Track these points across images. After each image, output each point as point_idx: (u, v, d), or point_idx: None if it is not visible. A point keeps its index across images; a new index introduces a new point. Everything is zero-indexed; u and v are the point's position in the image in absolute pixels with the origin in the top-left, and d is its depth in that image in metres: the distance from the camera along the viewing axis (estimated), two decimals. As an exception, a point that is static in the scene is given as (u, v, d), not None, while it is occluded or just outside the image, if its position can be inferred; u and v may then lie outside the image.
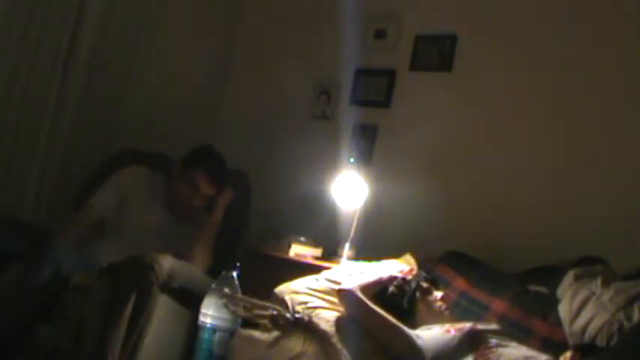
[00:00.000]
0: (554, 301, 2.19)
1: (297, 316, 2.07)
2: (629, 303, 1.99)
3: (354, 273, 2.36)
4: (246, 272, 2.06)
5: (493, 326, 2.05)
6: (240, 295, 1.99)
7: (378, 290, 2.21)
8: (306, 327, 2.04)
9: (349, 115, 3.31)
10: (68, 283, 2.15)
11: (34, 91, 2.90)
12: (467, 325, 1.99)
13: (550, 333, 2.12)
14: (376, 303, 2.10)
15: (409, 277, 2.28)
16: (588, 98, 2.69)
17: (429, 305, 2.18)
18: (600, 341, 1.96)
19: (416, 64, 3.16)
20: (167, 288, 2.14)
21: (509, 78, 2.89)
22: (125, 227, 2.62)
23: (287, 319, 2.04)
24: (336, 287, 2.23)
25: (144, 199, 2.68)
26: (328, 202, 3.00)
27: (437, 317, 2.14)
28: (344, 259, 2.79)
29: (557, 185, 2.70)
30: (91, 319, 2.06)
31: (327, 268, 2.57)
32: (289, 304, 2.16)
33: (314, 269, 2.54)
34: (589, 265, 2.23)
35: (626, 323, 1.94)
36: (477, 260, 2.54)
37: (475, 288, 2.37)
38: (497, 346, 1.89)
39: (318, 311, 2.13)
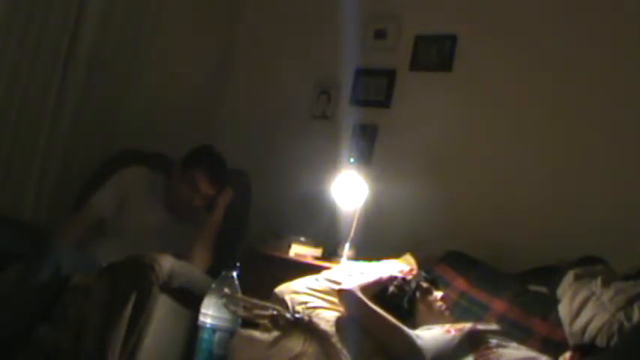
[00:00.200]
0: (554, 301, 2.19)
1: (297, 316, 2.07)
2: (629, 303, 2.00)
3: (354, 273, 2.36)
4: (246, 272, 2.06)
5: (493, 326, 2.05)
6: (240, 295, 1.99)
7: (378, 290, 2.21)
8: (306, 327, 2.03)
9: (349, 115, 3.31)
10: (68, 283, 2.15)
11: (34, 91, 2.90)
12: (467, 326, 1.99)
13: (550, 333, 2.12)
14: (376, 303, 2.10)
15: (409, 277, 2.28)
16: (588, 98, 2.69)
17: (429, 305, 2.18)
18: (600, 341, 1.96)
19: (416, 64, 3.16)
20: (167, 288, 2.14)
21: (509, 78, 2.89)
22: (125, 227, 2.62)
23: (287, 319, 2.04)
24: (336, 287, 2.23)
25: (144, 199, 2.68)
26: (328, 202, 3.00)
27: (437, 317, 2.14)
28: (344, 259, 2.79)
29: (557, 185, 2.70)
30: (91, 319, 2.06)
31: (327, 268, 2.57)
32: (289, 304, 2.17)
33: (314, 269, 2.54)
34: (589, 265, 2.23)
35: (626, 323, 1.94)
36: (477, 260, 2.54)
37: (475, 288, 2.37)
38: (498, 346, 1.89)
39: (318, 311, 2.14)
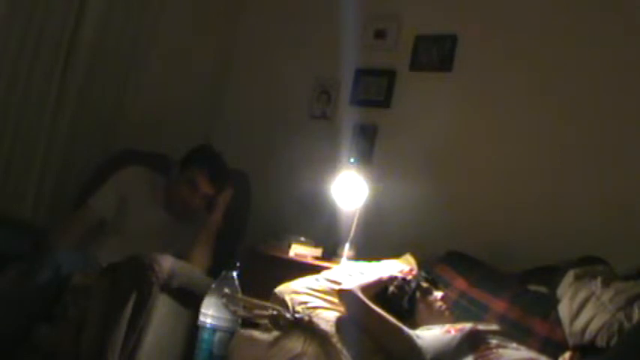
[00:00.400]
0: (554, 301, 2.19)
1: (297, 316, 2.07)
2: (629, 303, 2.00)
3: (354, 273, 2.36)
4: (246, 272, 2.06)
5: (493, 327, 2.04)
6: (240, 295, 1.99)
7: (378, 290, 2.21)
8: (306, 327, 2.04)
9: (349, 115, 3.31)
10: (68, 283, 2.15)
11: (34, 91, 2.90)
12: (467, 326, 1.99)
13: (550, 333, 2.13)
14: (376, 303, 2.10)
15: (409, 277, 2.27)
16: (588, 98, 2.69)
17: (429, 305, 2.18)
18: (600, 341, 1.96)
19: (416, 64, 3.16)
20: (167, 288, 2.14)
21: (509, 78, 2.89)
22: (125, 227, 2.62)
23: (287, 319, 2.04)
24: (337, 287, 2.23)
25: (144, 199, 2.68)
26: (328, 202, 3.00)
27: (437, 317, 2.14)
28: (344, 259, 2.79)
29: (557, 185, 2.70)
30: (91, 319, 2.06)
31: (327, 268, 2.57)
32: (289, 304, 2.16)
33: (314, 269, 2.54)
34: (589, 265, 2.23)
35: (626, 323, 1.94)
36: (477, 260, 2.54)
37: (475, 288, 2.37)
38: (498, 346, 1.89)
39: (318, 311, 2.13)
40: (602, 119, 2.64)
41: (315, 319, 2.06)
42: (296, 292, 2.24)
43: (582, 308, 2.06)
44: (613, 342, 1.93)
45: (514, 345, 1.93)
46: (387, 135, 3.19)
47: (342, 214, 2.99)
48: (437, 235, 2.81)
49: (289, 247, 2.89)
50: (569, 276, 2.20)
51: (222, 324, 1.95)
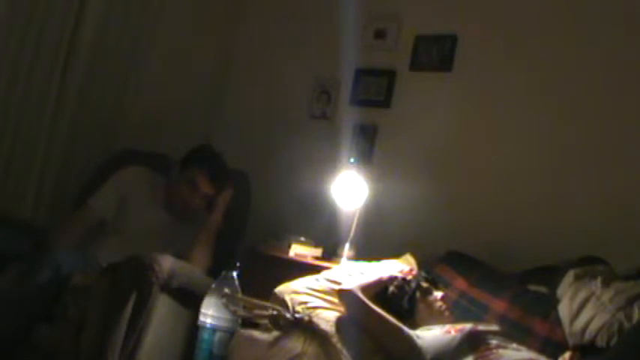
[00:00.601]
0: (554, 301, 2.19)
1: (297, 316, 2.07)
2: (629, 303, 2.00)
3: (354, 273, 2.36)
4: (246, 272, 2.06)
5: (493, 327, 2.04)
6: (240, 295, 1.99)
7: (378, 290, 2.21)
8: (306, 327, 2.04)
9: (349, 115, 3.31)
10: (68, 283, 2.15)
11: (34, 91, 2.90)
12: (467, 326, 1.99)
13: (550, 333, 2.13)
14: (376, 303, 2.10)
15: (409, 277, 2.27)
16: (588, 98, 2.69)
17: (429, 305, 2.18)
18: (600, 341, 1.96)
19: (416, 64, 3.16)
20: (167, 288, 2.14)
21: (509, 78, 2.89)
22: (125, 227, 2.62)
23: (287, 319, 2.04)
24: (337, 287, 2.23)
25: (144, 199, 2.68)
26: (328, 202, 3.00)
27: (437, 317, 2.14)
28: (344, 259, 2.78)
29: (558, 185, 2.70)
30: (91, 319, 2.06)
31: (327, 268, 2.57)
32: (289, 304, 2.16)
33: (314, 269, 2.54)
34: (589, 265, 2.23)
35: (626, 323, 1.94)
36: (477, 260, 2.54)
37: (475, 288, 2.37)
38: (498, 347, 1.89)
39: (318, 311, 2.13)
40: (602, 119, 2.64)
41: (315, 319, 2.06)
42: (296, 292, 2.24)
43: (582, 308, 2.06)
44: (613, 342, 1.93)
45: (514, 345, 1.93)
46: (387, 135, 3.19)
47: (342, 214, 2.99)
48: (437, 235, 2.81)
49: (289, 247, 2.89)
50: (569, 276, 2.20)
51: (222, 324, 1.95)
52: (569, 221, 2.62)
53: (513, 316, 2.21)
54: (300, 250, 2.89)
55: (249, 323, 2.03)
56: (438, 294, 2.23)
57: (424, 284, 2.23)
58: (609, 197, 2.56)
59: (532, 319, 2.18)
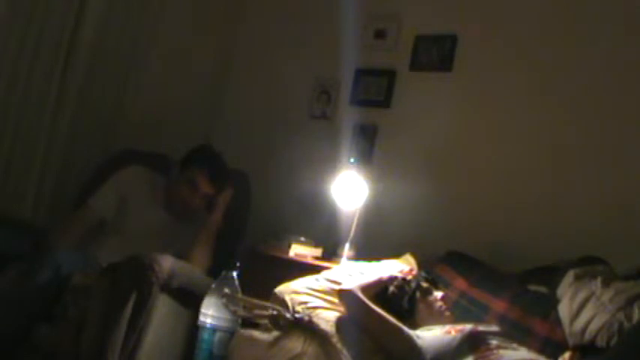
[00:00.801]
0: (554, 301, 2.19)
1: (297, 316, 2.07)
2: (629, 303, 2.00)
3: (354, 273, 2.36)
4: (246, 272, 2.06)
5: (494, 328, 2.04)
6: (240, 295, 1.99)
7: (378, 290, 2.21)
8: (306, 327, 2.04)
9: (349, 115, 3.31)
10: (68, 283, 2.15)
11: (34, 91, 2.90)
12: (467, 327, 1.99)
13: (550, 333, 2.12)
14: (376, 303, 2.10)
15: (409, 277, 2.28)
16: (588, 98, 2.69)
17: (429, 305, 2.18)
18: (600, 341, 1.96)
19: (416, 64, 3.16)
20: (167, 288, 2.14)
21: (509, 78, 2.89)
22: (125, 227, 2.62)
23: (287, 319, 2.04)
24: (337, 287, 2.23)
25: (144, 199, 2.68)
26: (328, 202, 3.00)
27: (437, 317, 2.14)
28: (344, 259, 2.78)
29: (558, 185, 2.70)
30: (91, 319, 2.06)
31: (327, 268, 2.57)
32: (289, 304, 2.16)
33: (314, 269, 2.53)
34: (589, 265, 2.23)
35: (626, 323, 1.94)
36: (477, 260, 2.54)
37: (475, 288, 2.37)
38: (498, 347, 1.89)
39: (318, 311, 2.13)
40: (602, 119, 2.64)
41: (315, 319, 2.06)
42: (296, 292, 2.24)
43: (582, 308, 2.06)
44: (613, 342, 1.93)
45: (514, 346, 1.93)
46: (387, 135, 3.19)
47: (342, 214, 2.99)
48: (437, 235, 2.81)
49: (289, 247, 2.89)
50: (569, 276, 2.20)
51: (222, 324, 1.95)
52: (569, 221, 2.62)
53: (513, 316, 2.21)
54: (300, 250, 2.89)
55: (249, 323, 2.03)
56: (438, 294, 2.23)
57: (424, 284, 2.23)
58: (609, 197, 2.56)
59: (532, 319, 2.18)
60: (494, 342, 1.91)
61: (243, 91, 3.75)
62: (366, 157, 3.18)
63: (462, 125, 2.98)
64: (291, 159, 3.39)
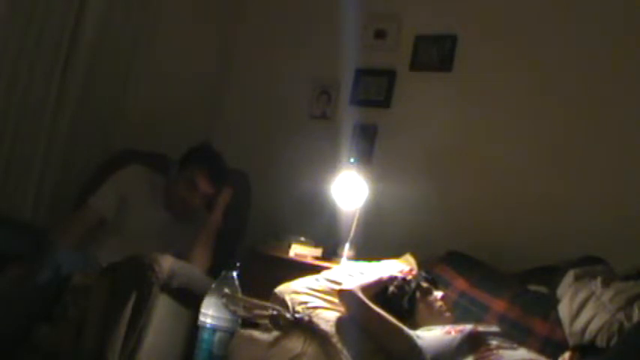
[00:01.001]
0: (554, 301, 2.19)
1: (297, 316, 2.07)
2: (629, 303, 2.00)
3: (354, 273, 2.36)
4: (246, 272, 2.06)
5: (494, 328, 2.04)
6: (240, 295, 1.99)
7: (378, 290, 2.21)
8: (306, 327, 2.04)
9: (349, 115, 3.31)
10: (68, 283, 2.15)
11: (34, 91, 2.90)
12: (467, 327, 1.99)
13: (550, 333, 2.13)
14: (376, 303, 2.10)
15: (409, 277, 2.27)
16: (588, 98, 2.69)
17: (429, 305, 2.18)
18: (600, 341, 1.96)
19: (416, 64, 3.16)
20: (167, 288, 2.14)
21: (509, 78, 2.89)
22: (125, 227, 2.62)
23: (287, 319, 2.04)
24: (337, 287, 2.23)
25: (144, 199, 2.68)
26: (328, 202, 3.00)
27: (437, 317, 2.14)
28: (344, 259, 2.79)
29: (558, 185, 2.70)
30: (91, 319, 2.06)
31: (327, 268, 2.57)
32: (289, 304, 2.16)
33: (314, 269, 2.53)
34: (589, 265, 2.23)
35: (626, 323, 1.94)
36: (477, 260, 2.54)
37: (475, 288, 2.37)
38: (498, 347, 1.89)
39: (318, 311, 2.13)
40: (602, 119, 2.64)
41: (315, 319, 2.06)
42: (296, 292, 2.24)
43: (582, 308, 2.06)
44: (613, 342, 1.93)
45: (514, 346, 1.93)
46: (387, 135, 3.19)
47: (342, 214, 2.99)
48: (437, 235, 2.81)
49: (289, 247, 2.89)
50: (569, 276, 2.20)
51: (222, 324, 1.95)
52: (569, 221, 2.62)
53: (513, 316, 2.21)
54: (300, 250, 2.89)
55: (249, 323, 2.03)
56: (438, 294, 2.23)
57: (424, 284, 2.23)
58: (609, 197, 2.57)
59: (532, 319, 2.18)
60: (494, 342, 1.91)
61: (243, 91, 3.75)
62: (366, 157, 3.18)
63: (461, 125, 2.98)
64: (291, 159, 3.38)
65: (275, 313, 2.04)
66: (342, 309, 2.17)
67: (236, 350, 1.96)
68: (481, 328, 2.00)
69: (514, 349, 1.91)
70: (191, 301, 2.11)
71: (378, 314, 2.05)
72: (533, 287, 2.35)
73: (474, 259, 2.54)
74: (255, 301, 2.05)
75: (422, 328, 2.07)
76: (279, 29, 3.68)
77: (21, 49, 2.85)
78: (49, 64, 2.93)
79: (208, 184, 2.63)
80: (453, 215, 2.88)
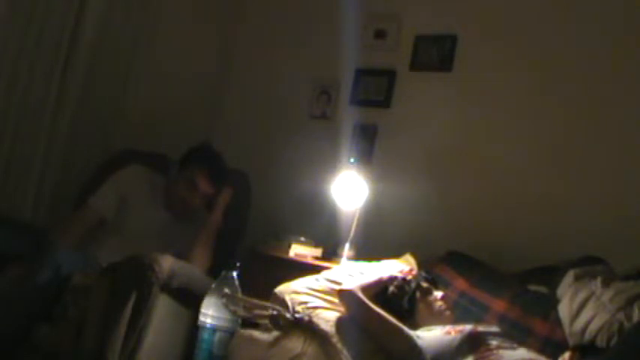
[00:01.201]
0: (554, 301, 2.19)
1: (297, 316, 2.07)
2: (629, 303, 2.00)
3: (354, 273, 2.36)
4: (246, 272, 2.06)
5: (493, 328, 2.04)
6: (240, 295, 1.99)
7: (378, 290, 2.21)
8: (306, 327, 2.04)
9: (349, 115, 3.31)
10: (68, 283, 2.15)
11: (34, 91, 2.90)
12: (467, 327, 1.99)
13: (550, 333, 2.13)
14: (376, 303, 2.10)
15: (409, 277, 2.28)
16: (588, 98, 2.69)
17: (429, 305, 2.18)
18: (600, 341, 1.96)
19: (416, 64, 3.17)
20: (167, 288, 2.14)
21: (509, 78, 2.89)
22: (125, 227, 2.62)
23: (287, 319, 2.04)
24: (337, 287, 2.23)
25: (144, 199, 2.68)
26: (328, 202, 3.00)
27: (437, 317, 2.14)
28: (344, 259, 2.79)
29: (558, 185, 2.70)
30: (91, 319, 2.06)
31: (327, 268, 2.57)
32: (289, 304, 2.16)
33: (314, 269, 2.53)
34: (589, 265, 2.23)
35: (626, 323, 1.94)
36: (478, 260, 2.54)
37: (475, 288, 2.37)
38: (498, 347, 1.89)
39: (318, 311, 2.13)
40: (602, 119, 2.64)
41: (315, 319, 2.06)
42: (296, 292, 2.24)
43: (582, 308, 2.06)
44: (613, 342, 1.93)
45: (514, 346, 1.93)
46: (387, 135, 3.19)
47: (342, 214, 2.99)
48: (437, 235, 2.81)
49: (289, 247, 2.89)
50: (569, 276, 2.20)
51: (222, 324, 1.95)
52: (569, 221, 2.62)
53: (513, 316, 2.21)
54: (300, 250, 2.89)
55: (249, 323, 2.03)
56: (438, 294, 2.23)
57: (424, 284, 2.23)
58: (609, 197, 2.57)
59: (532, 319, 2.18)
60: (494, 342, 1.92)
61: (243, 91, 3.75)
62: (366, 157, 3.18)
63: (461, 125, 2.98)
64: (291, 159, 3.38)
65: (275, 313, 2.04)
66: (342, 309, 2.17)
67: (236, 350, 1.96)
68: (481, 328, 2.00)
69: (514, 349, 1.91)
70: (191, 301, 2.11)
71: (378, 314, 2.05)
72: (533, 287, 2.35)
73: (474, 259, 2.54)
74: (255, 301, 2.05)
75: (422, 328, 2.07)
76: (279, 29, 3.68)
77: (21, 49, 2.85)
78: (49, 64, 2.93)
79: (208, 184, 2.63)
80: (453, 215, 2.88)
